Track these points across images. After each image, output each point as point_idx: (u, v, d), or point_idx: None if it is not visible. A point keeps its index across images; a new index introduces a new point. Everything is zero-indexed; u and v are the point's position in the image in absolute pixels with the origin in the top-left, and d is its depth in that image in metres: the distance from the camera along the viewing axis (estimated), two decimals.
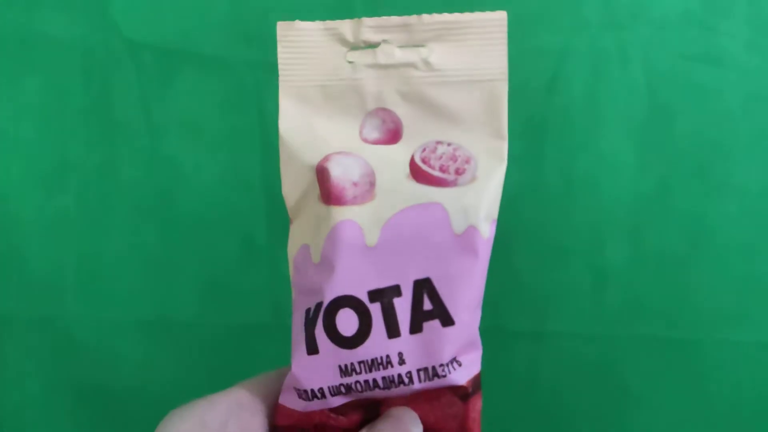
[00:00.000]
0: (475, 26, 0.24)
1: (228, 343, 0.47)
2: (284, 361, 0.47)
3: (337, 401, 0.24)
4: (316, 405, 0.24)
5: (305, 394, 0.24)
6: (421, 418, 0.24)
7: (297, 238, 0.25)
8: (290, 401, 0.25)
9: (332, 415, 0.24)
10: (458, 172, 0.24)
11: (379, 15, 0.44)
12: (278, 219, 0.46)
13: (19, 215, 0.47)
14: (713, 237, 0.43)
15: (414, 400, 0.24)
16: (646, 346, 0.44)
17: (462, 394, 0.24)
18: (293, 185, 0.26)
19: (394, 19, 0.25)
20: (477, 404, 0.24)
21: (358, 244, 0.23)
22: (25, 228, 0.47)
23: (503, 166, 0.24)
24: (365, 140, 0.25)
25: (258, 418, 0.25)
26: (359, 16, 0.44)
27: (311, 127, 0.25)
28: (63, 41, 0.45)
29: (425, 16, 0.25)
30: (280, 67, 0.26)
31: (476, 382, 0.24)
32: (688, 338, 0.44)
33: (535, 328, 0.45)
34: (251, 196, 0.46)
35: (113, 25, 0.44)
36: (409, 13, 0.42)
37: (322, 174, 0.24)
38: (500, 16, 0.24)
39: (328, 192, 0.24)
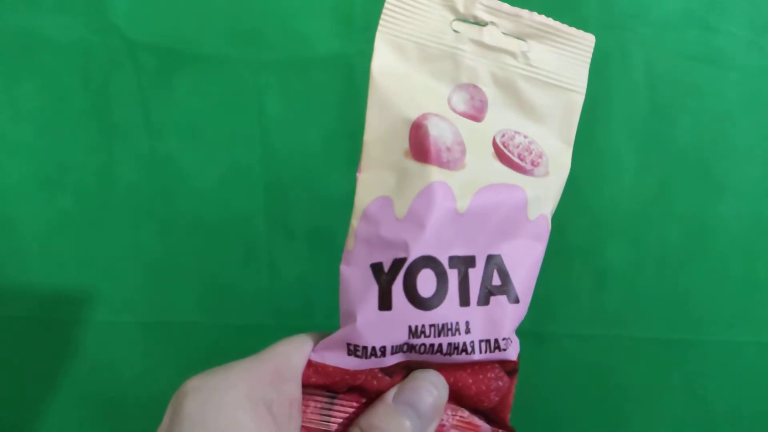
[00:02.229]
0: (573, 39, 0.27)
1: (228, 344, 0.47)
2: None
3: (392, 360, 0.24)
4: (370, 363, 0.24)
5: (363, 351, 0.23)
6: (463, 389, 0.25)
7: (372, 188, 0.25)
8: (334, 359, 0.24)
9: (380, 374, 0.24)
10: (533, 163, 0.25)
11: (377, 13, 0.44)
12: (278, 220, 0.46)
13: (19, 217, 0.47)
14: (713, 238, 0.43)
15: (460, 370, 0.24)
16: (646, 348, 0.44)
17: (511, 369, 0.25)
18: (379, 132, 0.25)
19: (507, 7, 0.26)
20: (515, 381, 0.25)
21: (449, 208, 0.24)
22: (25, 230, 0.47)
23: (567, 170, 0.26)
24: (453, 109, 0.26)
25: (298, 386, 0.24)
26: (359, 17, 0.44)
27: (406, 79, 0.25)
28: (62, 43, 0.45)
29: (535, 14, 0.26)
30: (383, 16, 0.25)
31: (518, 360, 0.25)
32: (687, 339, 0.44)
33: (536, 329, 0.45)
34: (251, 197, 0.45)
35: (112, 26, 0.44)
36: None
37: (419, 130, 0.24)
38: (591, 38, 0.27)
39: (425, 150, 0.24)
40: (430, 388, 0.24)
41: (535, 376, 0.45)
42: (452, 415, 0.25)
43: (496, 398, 0.25)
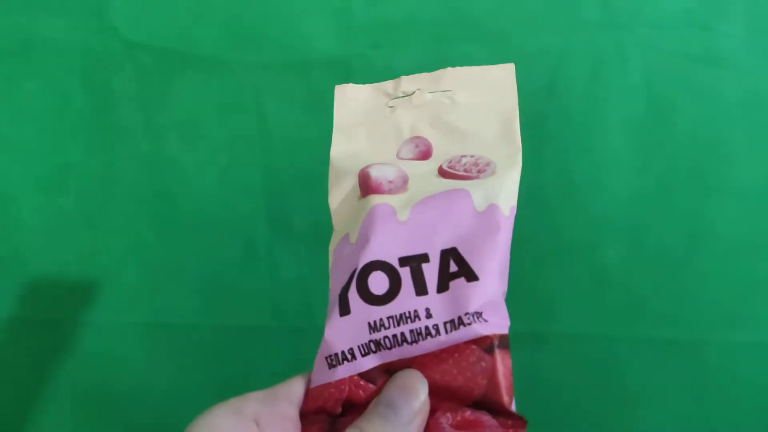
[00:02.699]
0: (492, 75, 0.30)
1: (227, 344, 0.47)
2: (283, 362, 0.47)
3: (367, 363, 0.26)
4: (345, 369, 0.26)
5: (335, 358, 0.26)
6: (449, 382, 0.25)
7: (338, 233, 0.29)
8: (320, 377, 0.26)
9: (362, 382, 0.26)
10: (480, 171, 0.28)
11: (377, 15, 0.44)
12: (278, 221, 0.46)
13: (19, 217, 0.47)
14: (712, 237, 0.43)
15: (442, 363, 0.25)
16: (646, 347, 0.44)
17: (487, 345, 0.25)
18: (337, 194, 0.29)
19: (425, 75, 0.31)
20: (506, 359, 0.25)
21: (390, 219, 0.27)
22: (25, 230, 0.47)
23: (519, 167, 0.28)
24: (401, 159, 0.30)
25: (293, 407, 0.26)
26: (357, 19, 0.44)
27: (357, 151, 0.30)
28: (62, 44, 0.45)
29: (449, 69, 0.30)
30: (335, 116, 0.31)
31: (503, 339, 0.25)
32: (687, 338, 0.44)
33: (536, 329, 0.45)
34: (251, 198, 0.46)
35: (112, 28, 0.45)
36: (405, 11, 0.43)
37: (363, 176, 0.29)
38: (509, 67, 0.30)
39: (367, 187, 0.28)
40: (406, 384, 0.25)
41: (534, 376, 0.45)
42: (453, 416, 0.25)
43: (484, 381, 0.25)
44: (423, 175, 0.28)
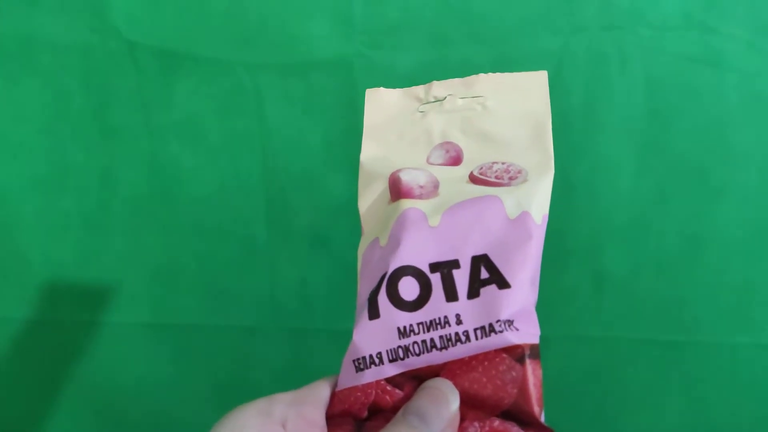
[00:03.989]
0: (524, 81, 0.30)
1: (227, 344, 0.47)
2: (283, 363, 0.47)
3: (394, 369, 0.25)
4: (372, 374, 0.25)
5: (363, 362, 0.25)
6: (478, 391, 0.25)
7: (367, 238, 0.28)
8: (346, 380, 0.26)
9: (388, 387, 0.25)
10: (512, 178, 0.28)
11: (377, 16, 0.44)
12: (278, 222, 0.46)
13: (19, 218, 0.47)
14: (711, 241, 0.43)
15: (472, 371, 0.25)
16: (645, 349, 0.44)
17: (519, 355, 0.25)
18: (367, 197, 0.29)
19: (457, 80, 0.31)
20: (537, 370, 0.25)
21: (421, 224, 0.26)
22: (25, 231, 0.47)
23: (551, 174, 0.28)
24: (431, 164, 0.29)
25: (320, 411, 0.26)
26: (358, 20, 0.44)
27: (387, 155, 0.30)
28: (63, 45, 0.45)
29: (482, 75, 0.30)
30: (366, 117, 0.31)
31: (534, 349, 0.25)
32: (686, 341, 0.44)
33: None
34: (251, 199, 0.45)
35: (113, 28, 0.45)
36: (406, 12, 0.43)
37: (393, 180, 0.28)
38: (542, 75, 0.30)
39: (398, 191, 0.28)
40: (437, 394, 0.24)
41: None
42: (481, 426, 0.25)
43: (514, 390, 0.24)
44: (454, 180, 0.28)
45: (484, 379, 0.25)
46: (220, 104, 0.45)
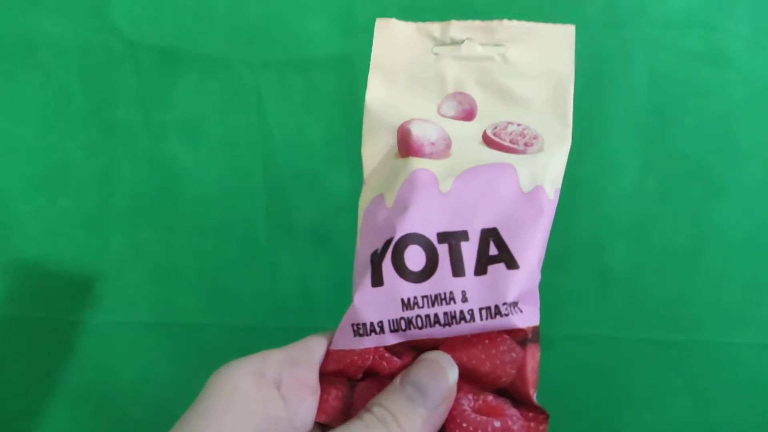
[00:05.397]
0: (549, 33, 0.28)
1: (227, 344, 0.47)
2: None
3: (395, 338, 0.25)
4: (371, 341, 0.25)
5: (363, 328, 0.25)
6: (477, 367, 0.24)
7: (371, 192, 0.27)
8: (343, 342, 0.25)
9: (386, 354, 0.25)
10: (527, 144, 0.26)
11: (378, 13, 0.44)
12: (279, 220, 0.46)
13: (18, 216, 0.46)
14: (718, 237, 0.43)
15: (471, 348, 0.25)
16: (649, 349, 0.44)
17: (521, 338, 0.25)
18: (373, 146, 0.28)
19: (478, 23, 0.29)
20: (536, 353, 0.25)
21: (431, 189, 0.25)
22: (25, 229, 0.47)
23: (568, 144, 0.27)
24: (442, 116, 0.28)
25: (314, 371, 0.25)
26: (359, 17, 0.44)
27: (395, 100, 0.28)
28: (62, 43, 0.45)
29: (506, 22, 0.28)
30: (373, 53, 0.29)
31: (536, 332, 0.25)
32: (690, 341, 0.44)
33: (542, 330, 0.45)
34: (251, 197, 0.45)
35: (113, 26, 0.44)
36: (406, 9, 0.43)
37: (403, 132, 0.27)
38: (570, 29, 0.28)
39: (407, 146, 0.26)
40: (436, 368, 0.24)
41: (539, 377, 0.45)
42: (474, 399, 0.25)
43: (512, 371, 0.24)
44: (466, 140, 0.27)
45: (483, 356, 0.24)
46: (221, 102, 0.45)
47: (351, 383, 0.25)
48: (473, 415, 0.24)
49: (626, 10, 0.42)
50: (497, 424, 0.24)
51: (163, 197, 0.46)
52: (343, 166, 0.45)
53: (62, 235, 0.46)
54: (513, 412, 0.25)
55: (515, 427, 0.24)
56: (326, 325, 0.46)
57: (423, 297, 0.24)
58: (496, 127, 0.27)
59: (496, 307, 0.24)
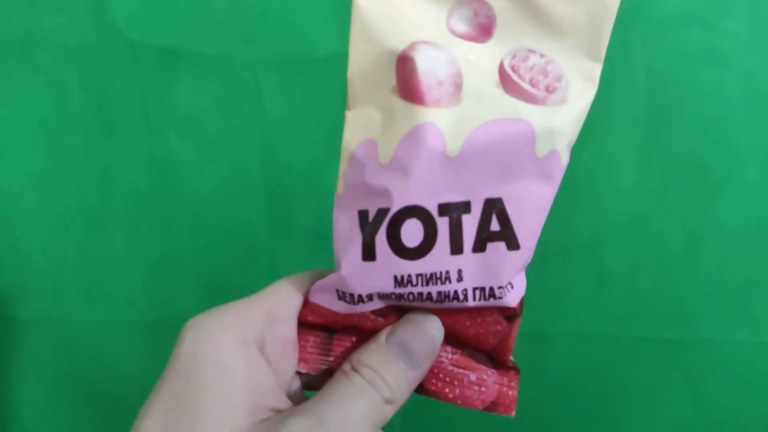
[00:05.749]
0: None
1: None
2: None
3: (381, 305, 0.24)
4: (359, 308, 0.24)
5: (350, 298, 0.23)
6: (460, 331, 0.24)
7: (358, 130, 0.23)
8: (327, 301, 0.24)
9: (372, 316, 0.24)
10: (548, 89, 0.23)
11: None
12: (278, 218, 0.46)
13: (19, 216, 0.46)
14: (713, 237, 0.43)
15: (456, 313, 0.24)
16: (646, 347, 0.44)
17: (510, 315, 0.24)
18: (364, 67, 0.23)
19: None
20: (517, 324, 0.24)
21: (438, 153, 0.22)
22: (24, 228, 0.47)
23: (593, 90, 0.23)
24: (452, 31, 0.23)
25: (293, 327, 0.25)
26: None
27: (395, 3, 0.23)
28: (62, 42, 0.45)
29: None
30: None
31: (521, 305, 0.24)
32: (687, 339, 0.44)
33: (536, 328, 0.45)
34: (251, 195, 0.45)
35: (112, 25, 0.44)
36: None
37: (405, 64, 0.22)
38: None
39: (411, 87, 0.22)
40: (423, 329, 0.24)
41: (534, 374, 0.45)
42: (452, 352, 0.25)
43: (495, 341, 0.24)
44: (480, 77, 0.22)
45: (468, 323, 0.24)
46: (220, 100, 0.45)
47: (329, 332, 0.25)
48: (450, 368, 0.24)
49: (624, 8, 0.42)
50: (473, 377, 0.24)
51: (162, 195, 0.46)
52: None
53: (62, 233, 0.46)
54: (488, 367, 0.25)
55: (489, 381, 0.24)
56: None
57: (418, 275, 0.22)
58: (515, 56, 0.22)
59: (491, 289, 0.23)
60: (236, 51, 0.44)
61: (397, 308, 0.24)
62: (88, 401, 0.48)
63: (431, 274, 0.22)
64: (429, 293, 0.23)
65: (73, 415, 0.49)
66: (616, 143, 0.43)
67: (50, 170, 0.46)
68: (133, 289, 0.47)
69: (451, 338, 0.25)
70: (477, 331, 0.24)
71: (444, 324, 0.24)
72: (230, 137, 0.45)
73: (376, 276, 0.23)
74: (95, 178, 0.46)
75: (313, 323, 0.25)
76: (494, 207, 0.22)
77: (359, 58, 0.23)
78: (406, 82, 0.22)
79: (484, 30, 0.23)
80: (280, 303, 0.25)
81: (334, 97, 0.45)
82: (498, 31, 0.23)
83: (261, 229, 0.46)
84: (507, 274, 0.23)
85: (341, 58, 0.44)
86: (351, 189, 0.23)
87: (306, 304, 0.25)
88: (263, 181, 0.45)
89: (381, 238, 0.22)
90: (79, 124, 0.46)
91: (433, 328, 0.24)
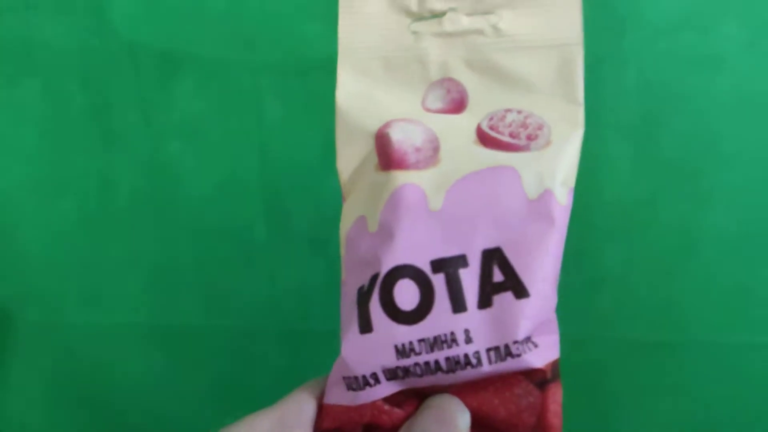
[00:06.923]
0: None
1: (226, 346, 0.47)
2: (282, 365, 0.47)
3: (392, 388, 0.21)
4: (367, 395, 0.21)
5: (356, 382, 0.21)
6: (489, 413, 0.21)
7: (351, 213, 0.23)
8: (337, 396, 0.22)
9: (385, 407, 0.21)
10: (530, 137, 0.22)
11: None
12: (277, 222, 0.46)
13: (19, 220, 0.47)
14: (705, 242, 0.43)
15: (482, 391, 0.21)
16: (639, 349, 0.44)
17: (539, 380, 0.21)
18: (349, 157, 0.24)
19: None
20: (557, 394, 0.22)
21: (420, 208, 0.21)
22: (25, 233, 0.47)
23: (580, 131, 0.23)
24: (428, 110, 0.23)
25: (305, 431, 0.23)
26: None
27: (371, 97, 0.24)
28: (62, 46, 0.45)
29: None
30: (340, 36, 0.25)
31: (555, 368, 0.22)
32: (680, 341, 0.44)
33: None
34: (251, 200, 0.46)
35: (112, 29, 0.45)
36: None
37: (382, 140, 0.23)
38: None
39: (388, 157, 0.22)
40: (444, 415, 0.21)
41: None
42: None
43: (532, 419, 0.21)
44: (457, 138, 0.22)
45: (496, 401, 0.21)
46: (220, 105, 0.45)
47: None
48: None
49: (618, 13, 0.42)
50: None
51: (162, 199, 0.46)
52: None
53: (63, 238, 0.47)
54: None
55: None
56: (324, 328, 0.46)
57: (420, 341, 0.21)
58: (492, 118, 0.23)
59: (506, 346, 0.21)
60: (236, 55, 0.44)
61: (414, 393, 0.22)
62: (88, 405, 0.48)
63: (435, 338, 0.21)
64: (437, 361, 0.21)
65: (73, 418, 0.49)
66: (610, 148, 0.43)
67: (50, 175, 0.46)
68: (133, 293, 0.47)
69: (485, 427, 0.21)
70: (508, 410, 0.21)
71: (469, 408, 0.21)
72: (230, 141, 0.45)
73: (376, 349, 0.21)
74: (95, 183, 0.46)
75: (329, 429, 0.22)
76: (494, 257, 0.21)
77: (345, 149, 0.24)
78: (383, 154, 0.22)
79: (457, 104, 0.23)
80: (291, 409, 0.23)
81: (333, 102, 0.45)
82: (471, 102, 0.23)
83: (260, 234, 0.46)
84: (522, 326, 0.21)
85: None
86: (351, 271, 0.23)
87: (321, 409, 0.23)
88: (262, 186, 0.46)
89: (375, 305, 0.21)
90: (79, 129, 0.46)
91: (456, 412, 0.21)
